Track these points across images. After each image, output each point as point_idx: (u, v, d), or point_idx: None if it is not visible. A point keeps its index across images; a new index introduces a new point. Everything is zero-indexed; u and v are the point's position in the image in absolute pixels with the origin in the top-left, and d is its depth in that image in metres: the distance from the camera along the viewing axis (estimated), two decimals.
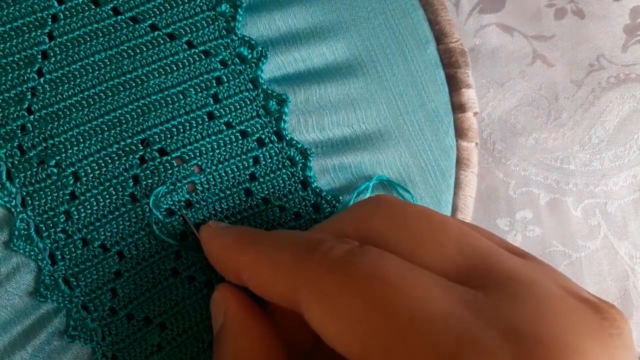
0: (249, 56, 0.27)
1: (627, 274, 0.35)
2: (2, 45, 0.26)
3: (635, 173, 0.35)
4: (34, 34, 0.26)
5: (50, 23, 0.26)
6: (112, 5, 0.26)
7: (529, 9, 0.36)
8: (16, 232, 0.25)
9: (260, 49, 0.27)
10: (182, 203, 0.27)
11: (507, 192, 0.35)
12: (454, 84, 0.30)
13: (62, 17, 0.26)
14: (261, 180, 0.28)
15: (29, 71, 0.26)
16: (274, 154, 0.28)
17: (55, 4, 0.26)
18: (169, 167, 0.26)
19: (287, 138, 0.28)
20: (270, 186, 0.28)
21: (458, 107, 0.30)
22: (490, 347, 0.16)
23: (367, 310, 0.18)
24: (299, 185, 0.28)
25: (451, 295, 0.17)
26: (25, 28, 0.26)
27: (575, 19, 0.36)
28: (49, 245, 0.26)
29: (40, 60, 0.26)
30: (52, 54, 0.26)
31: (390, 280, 0.18)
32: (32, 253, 0.26)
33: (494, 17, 0.36)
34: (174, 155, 0.26)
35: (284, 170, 0.28)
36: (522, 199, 0.35)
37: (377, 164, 0.29)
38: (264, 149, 0.28)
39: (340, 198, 0.28)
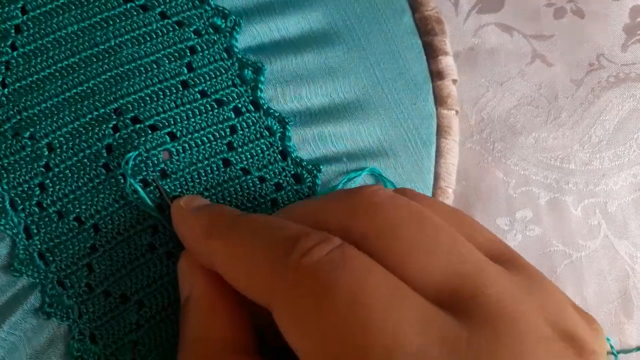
0: (223, 25, 0.27)
1: (628, 274, 0.35)
2: None
3: (635, 172, 0.35)
4: (7, 9, 0.26)
5: None
6: None
7: (528, 9, 0.36)
8: None
9: (234, 18, 0.27)
10: (157, 173, 0.26)
11: (506, 191, 0.35)
12: (431, 52, 0.30)
13: None
14: (239, 150, 0.27)
15: (2, 45, 0.26)
16: (251, 123, 0.28)
17: None
18: (142, 134, 0.26)
19: (265, 107, 0.28)
20: (249, 156, 0.27)
21: (436, 75, 0.30)
22: None
23: (341, 337, 0.17)
24: (279, 155, 0.28)
25: (430, 332, 0.17)
26: None
27: (574, 19, 0.36)
28: (24, 218, 0.25)
29: (13, 34, 0.26)
30: (25, 28, 0.26)
31: (372, 309, 0.17)
32: (7, 227, 0.25)
33: (493, 17, 0.36)
34: (147, 123, 0.26)
35: (262, 140, 0.28)
36: (522, 198, 0.35)
37: (357, 133, 0.29)
38: (241, 118, 0.27)
39: (322, 167, 0.28)
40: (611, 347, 0.33)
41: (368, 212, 0.20)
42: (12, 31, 0.26)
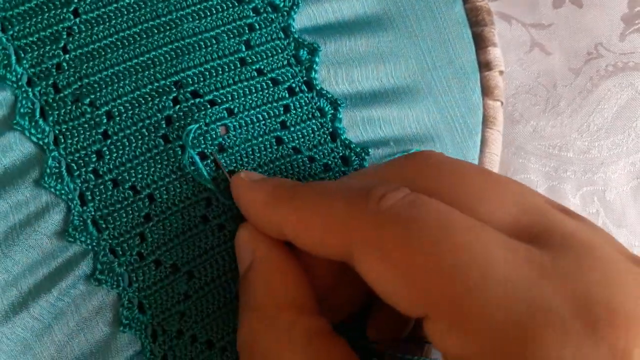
0: (281, 5, 0.28)
1: None
2: None
3: (633, 161, 0.35)
4: None
5: None
6: None
7: None
8: (47, 170, 0.25)
9: None
10: (215, 147, 0.26)
11: None
12: (480, 42, 0.31)
13: None
14: (292, 129, 0.28)
15: (65, 11, 0.26)
16: (304, 103, 0.28)
17: None
18: (202, 108, 0.26)
19: (318, 88, 0.28)
20: (301, 135, 0.28)
21: (484, 65, 0.31)
22: (562, 316, 0.16)
23: (432, 268, 0.17)
24: (328, 137, 0.28)
25: (518, 255, 0.17)
26: None
27: (573, 8, 0.36)
28: (79, 185, 0.25)
29: (76, 0, 0.26)
30: None
31: (457, 236, 0.17)
32: (62, 192, 0.25)
33: (493, 6, 0.36)
34: (206, 98, 0.26)
35: (313, 121, 0.28)
36: None
37: (405, 118, 0.29)
38: (294, 97, 0.28)
39: (370, 151, 0.28)
40: None
41: (433, 167, 0.21)
42: None
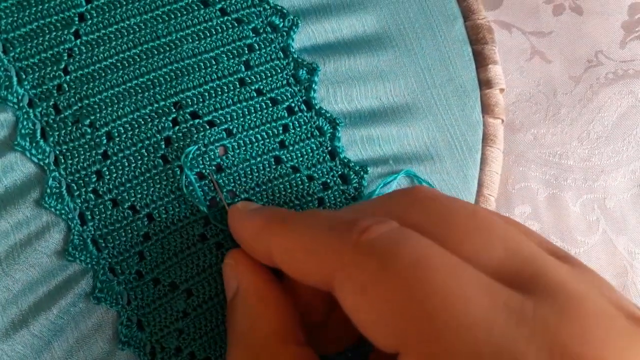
0: (281, 25, 0.28)
1: (626, 270, 0.35)
2: (40, 7, 0.26)
3: (634, 168, 0.35)
4: None
5: None
6: None
7: (527, 6, 0.36)
8: (48, 190, 0.25)
9: (292, 17, 0.28)
10: (213, 168, 0.27)
11: (505, 187, 0.35)
12: (481, 60, 0.31)
13: None
14: (290, 148, 0.28)
15: (66, 32, 0.26)
16: (303, 122, 0.28)
17: None
18: (201, 130, 0.26)
19: (317, 107, 0.28)
20: (299, 154, 0.28)
21: (485, 83, 0.31)
22: None
23: (405, 307, 0.17)
24: (327, 155, 0.28)
25: (495, 298, 0.16)
26: None
27: (573, 16, 0.36)
28: (79, 204, 0.26)
29: (77, 22, 0.26)
30: (89, 17, 0.26)
31: (435, 275, 0.17)
32: (62, 212, 0.25)
33: (492, 14, 0.36)
34: (205, 119, 0.27)
35: (312, 140, 0.28)
36: (521, 194, 0.35)
37: (404, 136, 0.29)
38: (294, 117, 0.28)
39: (369, 169, 0.28)
40: None
41: (423, 202, 0.21)
42: (76, 19, 0.26)
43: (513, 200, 0.34)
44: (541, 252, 0.19)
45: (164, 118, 0.26)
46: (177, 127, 0.26)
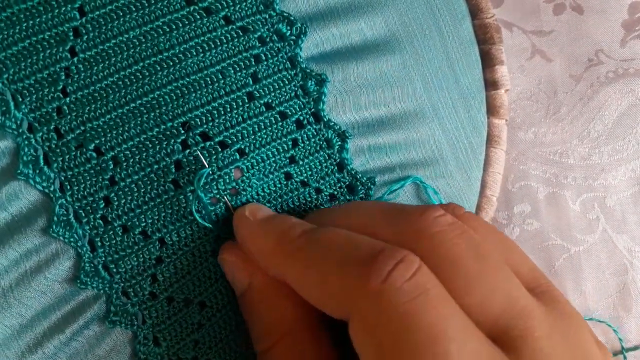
0: (288, 33, 0.27)
1: (626, 268, 0.36)
2: (31, 22, 0.24)
3: (634, 167, 0.36)
4: (63, 8, 0.24)
5: None
6: None
7: (527, 5, 0.36)
8: (55, 218, 0.25)
9: (300, 25, 0.26)
10: (228, 192, 0.26)
11: (505, 185, 0.36)
12: (488, 60, 0.30)
13: None
14: (300, 163, 0.27)
15: (61, 50, 0.24)
16: (311, 135, 0.27)
17: None
18: (213, 152, 0.26)
19: (325, 119, 0.27)
20: (308, 169, 0.27)
21: (491, 84, 0.30)
22: None
23: None
24: (335, 167, 0.28)
25: None
26: (54, 2, 0.24)
27: (573, 14, 0.36)
28: (88, 231, 0.25)
29: (72, 38, 0.24)
30: (84, 31, 0.25)
31: (442, 345, 0.18)
32: (71, 240, 0.25)
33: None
34: (217, 140, 0.26)
35: (321, 152, 0.28)
36: (521, 192, 0.36)
37: (411, 143, 0.29)
38: (302, 130, 0.27)
39: (376, 180, 0.28)
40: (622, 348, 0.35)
41: (432, 240, 0.21)
42: (71, 34, 0.24)
43: (513, 199, 0.35)
44: (532, 304, 0.21)
45: (172, 140, 0.25)
46: (187, 151, 0.25)
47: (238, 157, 0.26)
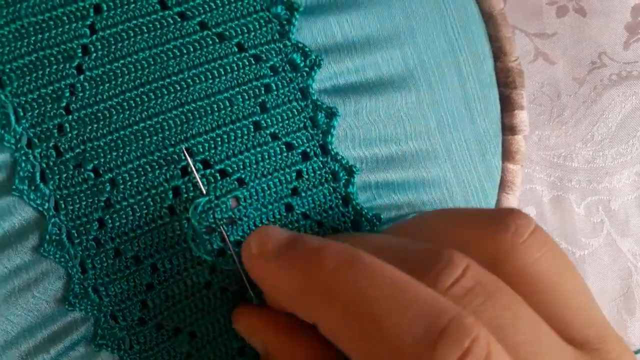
0: (302, 64, 0.26)
1: (630, 271, 0.35)
2: (40, 36, 0.24)
3: (638, 170, 0.35)
4: (74, 25, 0.24)
5: (92, 14, 0.24)
6: None
7: (530, 7, 0.36)
8: (47, 237, 0.24)
9: (314, 57, 0.26)
10: (224, 221, 0.25)
11: None
12: (508, 105, 0.29)
13: (105, 8, 0.24)
14: (303, 195, 0.26)
15: (67, 66, 0.24)
16: (317, 168, 0.26)
17: None
18: (212, 181, 0.25)
19: (333, 152, 0.27)
20: (311, 201, 0.27)
21: (509, 129, 0.29)
22: None
23: None
24: (340, 201, 0.27)
25: None
26: (65, 18, 0.24)
27: (576, 17, 0.35)
28: (80, 252, 0.25)
29: (80, 55, 0.24)
30: (93, 49, 0.24)
31: None
32: (62, 260, 0.24)
33: None
34: (217, 168, 0.25)
35: (326, 185, 0.27)
36: (525, 196, 0.35)
37: (420, 182, 0.28)
38: (308, 162, 0.26)
39: (382, 217, 0.27)
40: None
41: (515, 256, 0.19)
42: (79, 52, 0.24)
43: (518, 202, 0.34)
44: (607, 325, 0.20)
45: (172, 166, 0.25)
46: (187, 177, 0.25)
47: (237, 185, 0.25)
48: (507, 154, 0.29)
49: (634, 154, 0.35)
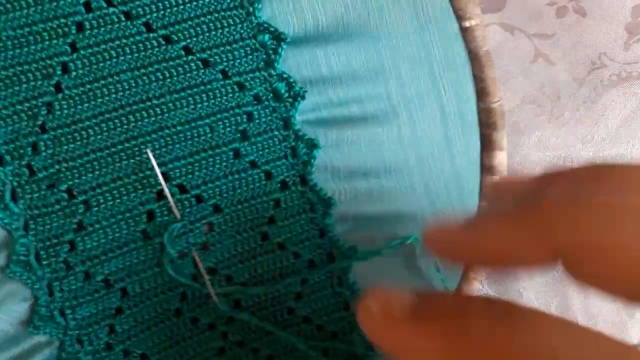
0: (285, 94, 0.26)
1: None
2: (18, 51, 0.23)
3: None
4: (54, 42, 0.23)
5: (74, 32, 0.23)
6: (144, 20, 0.24)
7: (530, 8, 0.35)
8: (14, 257, 0.23)
9: (299, 88, 0.26)
10: (198, 246, 0.25)
11: None
12: (488, 144, 0.29)
13: (88, 26, 0.24)
14: (279, 224, 0.26)
15: (46, 84, 0.23)
16: (295, 198, 0.26)
17: (83, 10, 0.23)
18: (187, 205, 0.25)
19: (311, 184, 0.26)
20: (288, 231, 0.26)
21: (487, 169, 0.29)
22: None
23: None
24: (317, 232, 0.27)
25: None
26: (45, 34, 0.23)
27: (576, 17, 0.36)
28: (49, 274, 0.24)
29: (59, 73, 0.23)
30: (73, 68, 0.23)
31: None
32: (28, 281, 0.24)
33: (495, 17, 0.35)
34: (193, 193, 0.25)
35: (303, 216, 0.27)
36: None
37: (398, 219, 0.28)
38: (287, 192, 0.26)
39: (357, 249, 0.27)
40: None
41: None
42: (59, 69, 0.23)
43: None
44: None
45: (148, 190, 0.24)
46: (162, 201, 0.24)
47: (212, 211, 0.25)
48: (485, 194, 0.29)
49: (633, 155, 0.35)
